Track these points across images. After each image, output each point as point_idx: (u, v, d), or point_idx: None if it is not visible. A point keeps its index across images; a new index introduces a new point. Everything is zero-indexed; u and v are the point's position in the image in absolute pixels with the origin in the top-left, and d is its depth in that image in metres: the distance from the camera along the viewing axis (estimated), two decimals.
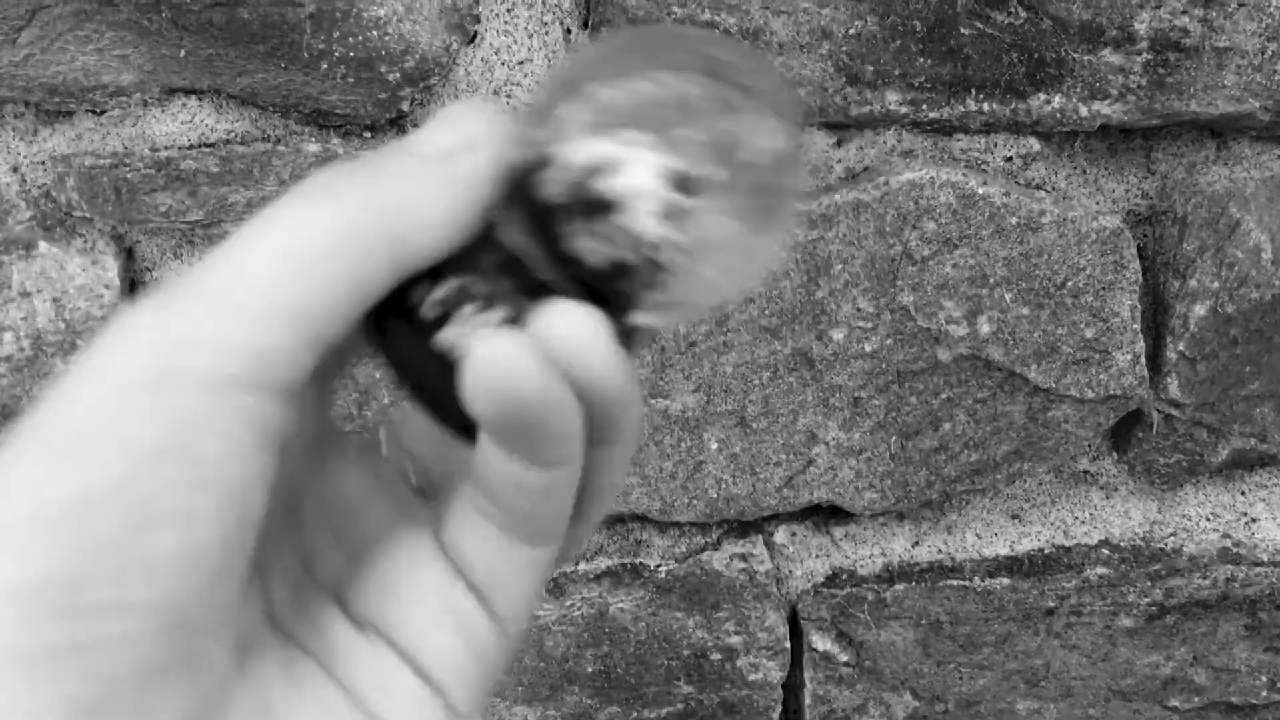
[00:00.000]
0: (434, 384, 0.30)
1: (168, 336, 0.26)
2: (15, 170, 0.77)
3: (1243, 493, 0.92)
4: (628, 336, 0.31)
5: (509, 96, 0.78)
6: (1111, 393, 0.84)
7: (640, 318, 0.31)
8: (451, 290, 0.29)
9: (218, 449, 0.26)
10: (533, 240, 0.30)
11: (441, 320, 0.29)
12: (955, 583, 0.88)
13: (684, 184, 0.29)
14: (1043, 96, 0.78)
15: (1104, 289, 0.81)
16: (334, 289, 0.27)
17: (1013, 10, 0.76)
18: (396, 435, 0.36)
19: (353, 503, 0.34)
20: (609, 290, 0.30)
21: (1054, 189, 0.83)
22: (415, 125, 0.78)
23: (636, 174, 0.29)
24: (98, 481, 0.24)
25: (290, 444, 0.29)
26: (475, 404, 0.28)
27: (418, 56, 0.75)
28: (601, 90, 0.29)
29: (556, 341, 0.27)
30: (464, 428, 0.30)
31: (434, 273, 0.29)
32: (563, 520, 0.31)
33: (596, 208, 0.29)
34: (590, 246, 0.29)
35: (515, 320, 0.29)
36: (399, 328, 0.30)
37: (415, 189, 0.28)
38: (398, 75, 0.75)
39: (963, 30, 0.77)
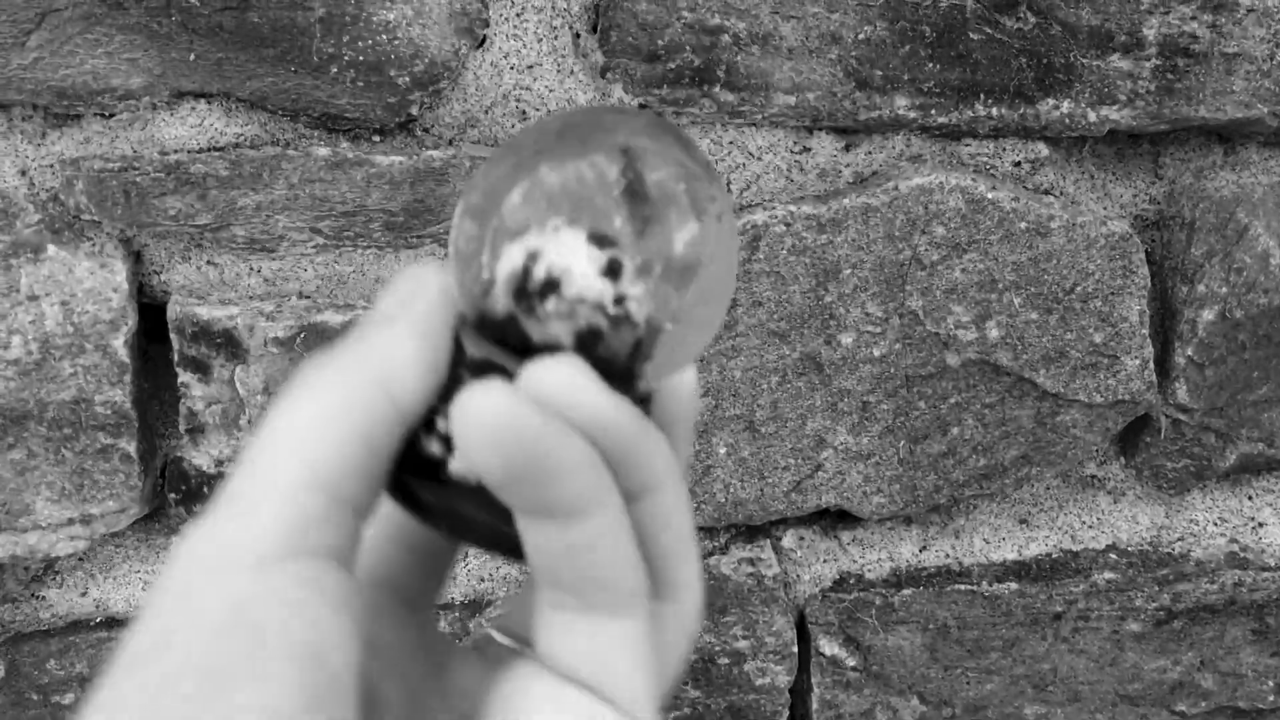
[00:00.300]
0: (465, 513, 0.31)
1: (212, 538, 0.28)
2: (24, 173, 0.77)
3: (1250, 497, 0.92)
4: (643, 403, 0.32)
5: (518, 101, 0.78)
6: (1120, 397, 0.84)
7: (642, 376, 0.31)
8: (445, 424, 0.31)
9: (277, 616, 0.27)
10: (503, 350, 0.31)
11: (448, 453, 0.31)
12: (963, 587, 0.88)
13: (609, 245, 0.30)
14: (1051, 102, 0.78)
15: (1113, 294, 0.81)
16: (345, 449, 0.29)
17: (1022, 16, 0.76)
18: (507, 628, 0.36)
19: (472, 689, 0.35)
20: (598, 363, 0.30)
21: (1062, 194, 0.83)
22: (425, 129, 0.78)
23: (565, 250, 0.30)
24: (177, 660, 0.26)
25: (395, 646, 0.32)
26: (473, 457, 0.28)
27: (427, 61, 0.75)
28: (523, 184, 0.31)
29: (539, 385, 0.28)
30: (511, 547, 0.31)
31: (429, 421, 0.31)
32: (626, 575, 0.30)
33: (543, 293, 0.30)
34: (553, 329, 0.30)
35: None
36: (417, 479, 0.31)
37: (387, 339, 0.31)
38: (407, 79, 0.75)
39: (972, 35, 0.77)
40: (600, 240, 0.30)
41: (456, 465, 0.31)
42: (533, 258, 0.30)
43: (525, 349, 0.31)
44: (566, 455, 0.28)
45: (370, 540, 0.35)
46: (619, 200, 0.30)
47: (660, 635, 0.33)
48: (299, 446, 0.29)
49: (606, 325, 0.30)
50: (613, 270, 0.30)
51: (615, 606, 0.30)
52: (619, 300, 0.30)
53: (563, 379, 0.29)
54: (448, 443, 0.31)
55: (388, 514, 0.35)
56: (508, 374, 0.30)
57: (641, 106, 0.78)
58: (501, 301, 0.30)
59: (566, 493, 0.28)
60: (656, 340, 0.31)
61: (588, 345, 0.30)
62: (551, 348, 0.30)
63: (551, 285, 0.30)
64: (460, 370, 0.31)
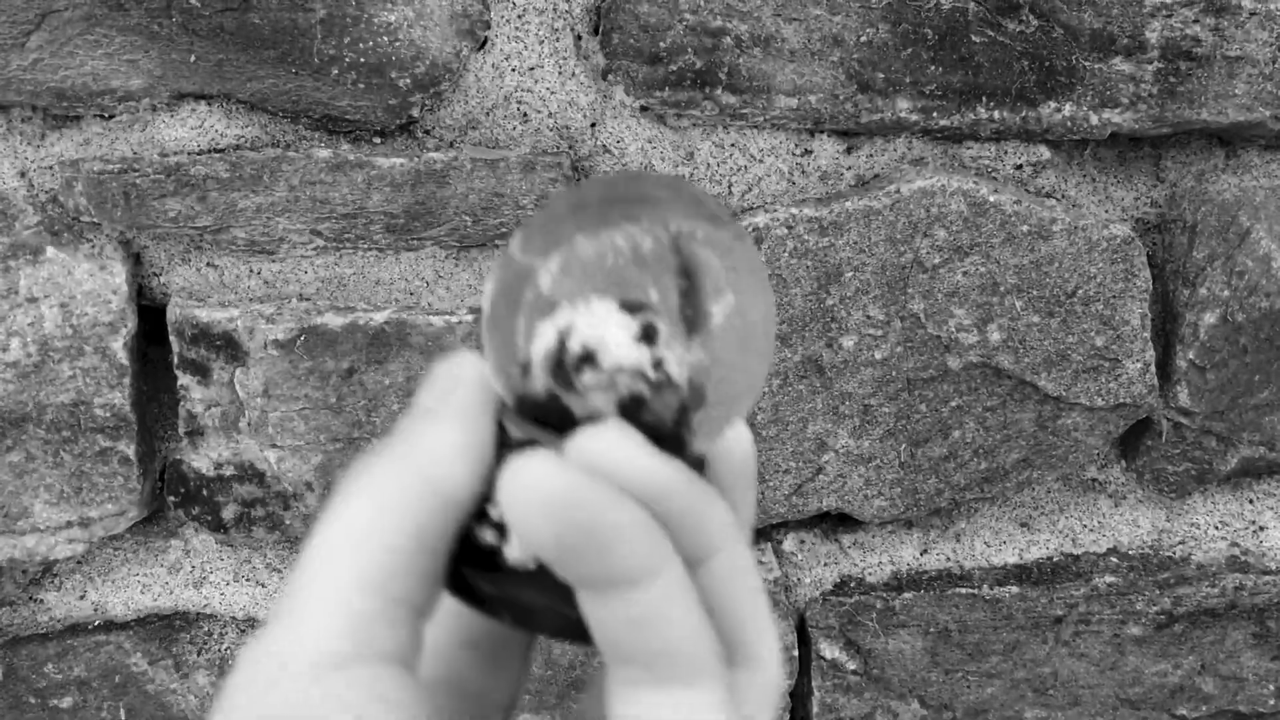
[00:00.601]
0: (526, 599, 0.31)
1: (269, 647, 0.28)
2: (23, 175, 0.77)
3: (1251, 501, 0.92)
4: (697, 466, 0.32)
5: (519, 103, 0.78)
6: (1121, 401, 0.84)
7: (692, 438, 0.31)
8: (498, 511, 0.30)
9: None
10: (547, 430, 0.31)
11: (502, 540, 0.30)
12: (964, 591, 0.88)
13: (641, 310, 0.30)
14: (1053, 104, 0.78)
15: (1114, 297, 0.81)
16: (396, 548, 0.29)
17: (1024, 18, 0.76)
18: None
19: None
20: (644, 429, 0.30)
21: (1064, 197, 0.83)
22: (426, 131, 0.78)
23: (597, 321, 0.30)
24: None
25: None
26: (525, 531, 0.27)
27: (428, 62, 0.75)
28: (553, 260, 0.31)
29: (586, 452, 0.28)
30: (577, 630, 0.30)
31: (481, 511, 0.31)
32: (695, 644, 0.29)
33: (580, 366, 0.30)
34: (594, 401, 0.30)
35: None
36: (474, 570, 0.31)
37: (430, 433, 0.30)
38: (408, 81, 0.75)
39: (974, 38, 0.76)
40: (632, 308, 0.30)
41: (513, 551, 0.30)
42: (566, 333, 0.30)
43: (569, 425, 0.30)
44: (620, 521, 0.27)
45: (434, 642, 0.34)
46: (648, 268, 0.30)
47: (741, 707, 0.31)
48: (351, 549, 0.29)
49: (648, 391, 0.30)
50: (648, 335, 0.30)
51: (688, 677, 0.29)
52: (658, 364, 0.30)
53: (610, 444, 0.28)
54: (501, 530, 0.30)
55: (451, 612, 0.34)
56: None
57: (643, 109, 0.78)
58: (540, 381, 0.30)
59: (624, 561, 0.27)
60: (701, 400, 0.30)
61: (632, 413, 0.30)
62: (595, 420, 0.30)
63: (588, 358, 0.30)
64: (506, 455, 0.31)
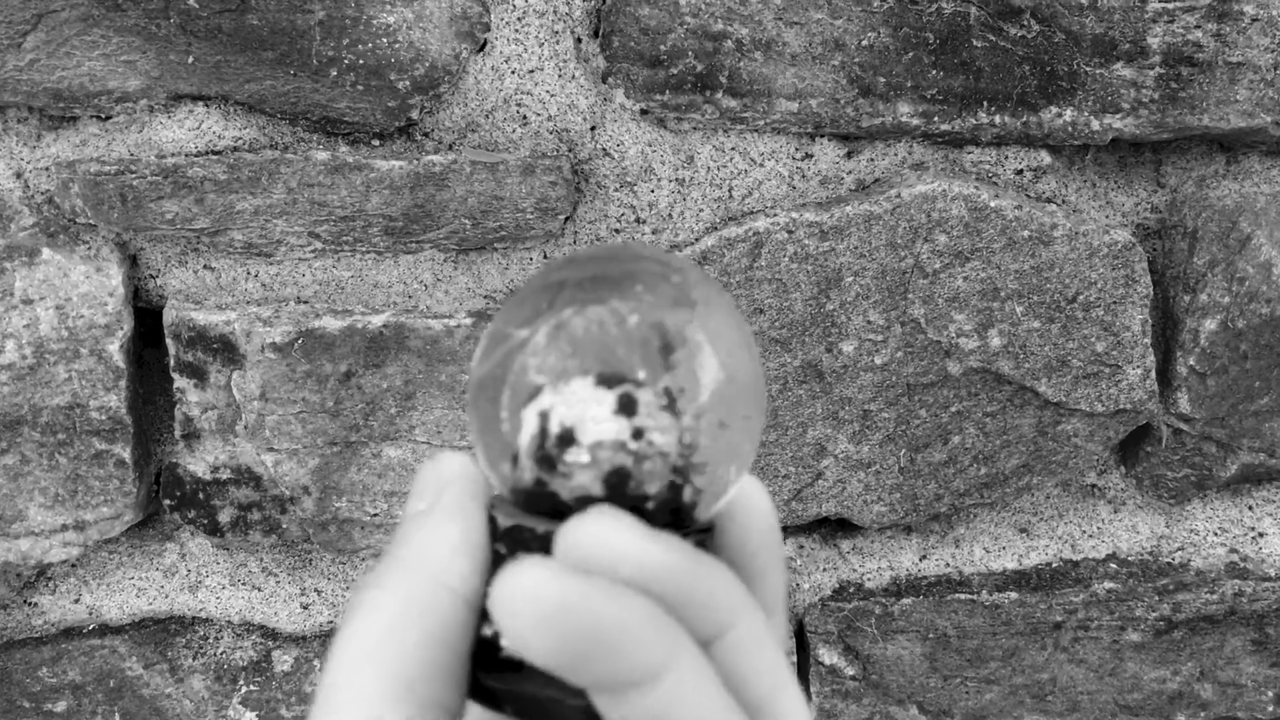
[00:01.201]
0: (536, 694, 0.30)
1: None
2: (19, 176, 0.77)
3: (1250, 507, 0.92)
4: (704, 533, 0.31)
5: (519, 105, 0.77)
6: (1122, 407, 0.84)
7: (692, 506, 0.30)
8: None
9: None
10: (538, 516, 0.30)
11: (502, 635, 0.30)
12: (963, 596, 0.88)
13: (619, 383, 0.30)
14: (1054, 109, 0.78)
15: (1115, 303, 0.81)
16: (420, 650, 0.28)
17: (1026, 23, 0.76)
18: None
19: None
20: (637, 504, 0.30)
21: (1064, 202, 0.83)
22: (425, 134, 0.78)
23: (575, 399, 0.30)
24: None
25: None
26: (525, 646, 0.26)
27: (428, 64, 0.75)
28: (531, 345, 0.31)
29: (575, 547, 0.27)
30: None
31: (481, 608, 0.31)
32: None
33: (561, 447, 0.30)
34: (579, 481, 0.30)
35: None
36: (482, 668, 0.30)
37: (428, 532, 0.30)
38: (407, 83, 0.75)
39: (975, 43, 0.76)
40: (609, 380, 0.29)
41: (510, 645, 0.29)
42: (545, 416, 0.30)
43: (559, 512, 0.30)
44: (623, 619, 0.26)
45: None
46: (629, 342, 0.30)
47: None
48: (373, 660, 0.28)
49: (631, 462, 0.29)
50: (626, 407, 0.29)
51: None
52: (638, 434, 0.29)
53: (599, 534, 0.27)
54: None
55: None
56: (540, 537, 0.30)
57: (643, 112, 0.77)
58: (528, 470, 0.30)
59: (635, 659, 0.26)
60: (691, 465, 0.30)
61: (618, 488, 0.29)
62: (584, 501, 0.30)
63: (567, 437, 0.29)
64: (497, 546, 0.31)
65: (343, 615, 0.30)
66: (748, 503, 0.33)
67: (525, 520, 0.30)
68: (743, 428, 0.31)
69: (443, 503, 0.31)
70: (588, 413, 0.29)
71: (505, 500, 0.31)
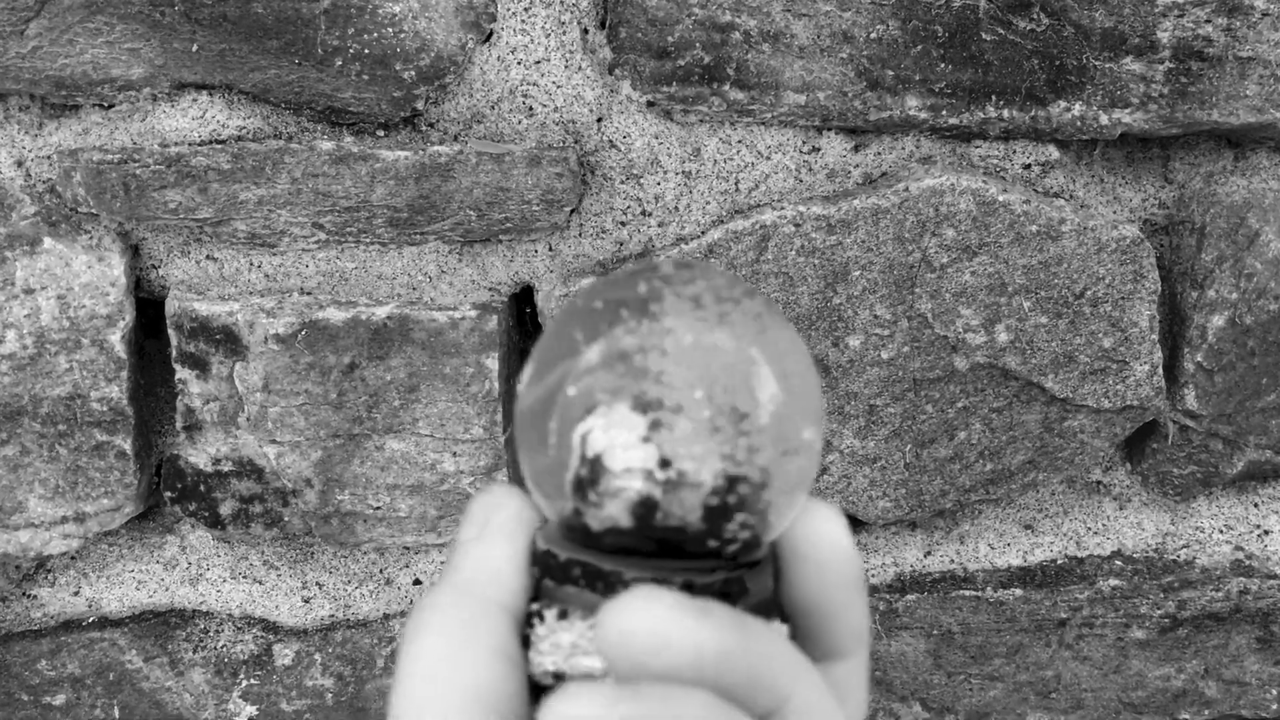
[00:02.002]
0: None
1: None
2: (20, 164, 0.76)
3: (1256, 505, 0.92)
4: (752, 567, 0.30)
5: (525, 96, 0.77)
6: (1128, 403, 0.83)
7: (734, 537, 0.29)
8: (543, 634, 0.30)
9: None
10: (575, 546, 0.30)
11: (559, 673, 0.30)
12: (967, 593, 0.88)
13: (655, 408, 0.29)
14: (1063, 104, 0.78)
15: (1123, 299, 0.81)
16: (492, 670, 0.29)
17: (1035, 17, 0.76)
18: None
19: None
20: (668, 535, 0.29)
21: (1072, 197, 0.82)
22: (430, 124, 0.77)
23: (609, 425, 0.29)
24: None
25: None
26: None
27: (433, 54, 0.74)
28: (574, 370, 0.30)
29: (617, 644, 0.26)
30: None
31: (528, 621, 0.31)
32: None
33: (594, 477, 0.29)
34: (609, 511, 0.29)
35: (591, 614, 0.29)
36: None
37: (480, 556, 0.31)
38: (413, 73, 0.74)
39: (984, 36, 0.76)
40: (644, 406, 0.28)
41: (541, 663, 0.29)
42: (584, 442, 0.29)
43: (591, 542, 0.30)
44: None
45: None
46: (668, 363, 0.29)
47: None
48: (445, 676, 0.28)
49: (659, 492, 0.28)
50: (655, 433, 0.28)
51: None
52: (665, 463, 0.28)
53: (641, 624, 0.26)
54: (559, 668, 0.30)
55: None
56: (562, 565, 0.29)
57: (650, 104, 0.77)
58: (570, 499, 0.30)
59: None
60: (732, 494, 0.29)
61: (646, 519, 0.29)
62: (612, 532, 0.29)
63: (598, 466, 0.29)
64: (534, 570, 0.31)
65: (401, 642, 0.31)
66: (822, 535, 0.31)
67: (556, 547, 0.30)
68: (800, 452, 0.30)
69: (490, 528, 0.31)
70: (617, 440, 0.29)
71: (551, 527, 0.31)
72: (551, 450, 0.30)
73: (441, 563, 0.88)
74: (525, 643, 0.30)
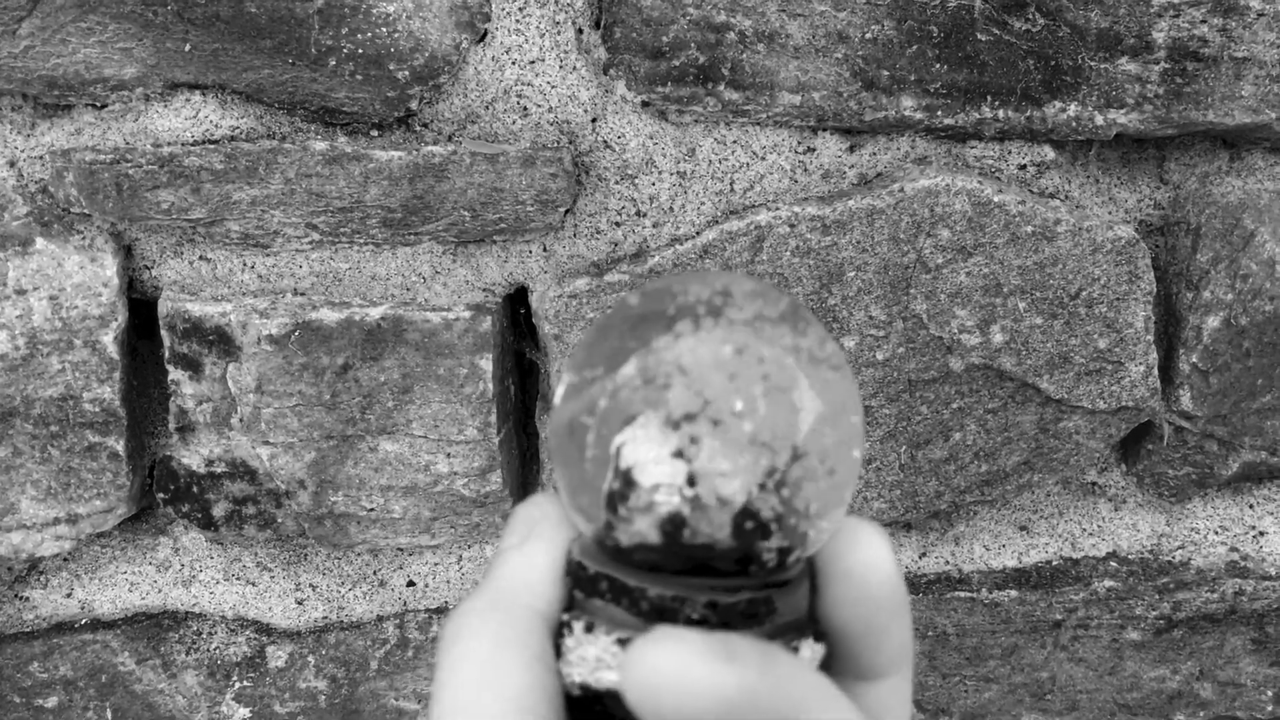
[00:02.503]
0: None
1: None
2: (12, 165, 0.76)
3: (1251, 506, 0.92)
4: (783, 586, 0.29)
5: (519, 96, 0.77)
6: (1124, 404, 0.83)
7: (768, 558, 0.29)
8: (571, 645, 0.30)
9: None
10: (615, 563, 0.30)
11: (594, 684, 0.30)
12: (962, 594, 0.87)
13: (687, 422, 0.28)
14: (1059, 104, 0.78)
15: (1118, 299, 0.81)
16: (533, 676, 0.29)
17: (1030, 17, 0.75)
18: None
19: None
20: (696, 554, 0.29)
21: (1067, 198, 0.82)
22: (424, 125, 0.77)
23: (641, 439, 0.29)
24: None
25: None
26: None
27: (427, 54, 0.74)
28: (609, 384, 0.30)
29: (643, 695, 0.26)
30: None
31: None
32: None
33: (624, 492, 0.29)
34: (637, 527, 0.29)
35: (624, 642, 0.29)
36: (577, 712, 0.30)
37: (520, 564, 0.31)
38: (407, 73, 0.74)
39: (980, 36, 0.76)
40: (676, 421, 0.28)
41: (571, 671, 0.29)
42: (617, 456, 0.29)
43: (622, 559, 0.30)
44: None
45: None
46: (704, 376, 0.28)
47: None
48: (486, 682, 0.28)
49: (688, 509, 0.28)
50: (686, 448, 0.28)
51: None
52: (692, 480, 0.28)
53: (663, 672, 0.25)
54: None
55: None
56: (591, 578, 0.30)
57: (645, 104, 0.77)
58: (603, 513, 0.30)
59: None
60: (763, 512, 0.28)
61: (673, 536, 0.28)
62: (640, 549, 0.29)
63: (629, 481, 0.29)
64: (567, 580, 0.31)
65: (439, 649, 0.31)
66: (862, 556, 0.31)
67: (587, 559, 0.30)
68: (837, 469, 0.30)
69: (531, 537, 0.32)
70: (648, 454, 0.28)
71: (587, 539, 0.31)
72: (586, 464, 0.30)
73: (435, 564, 0.87)
74: (558, 652, 0.30)
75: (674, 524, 0.28)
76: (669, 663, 0.25)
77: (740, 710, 0.25)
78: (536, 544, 0.31)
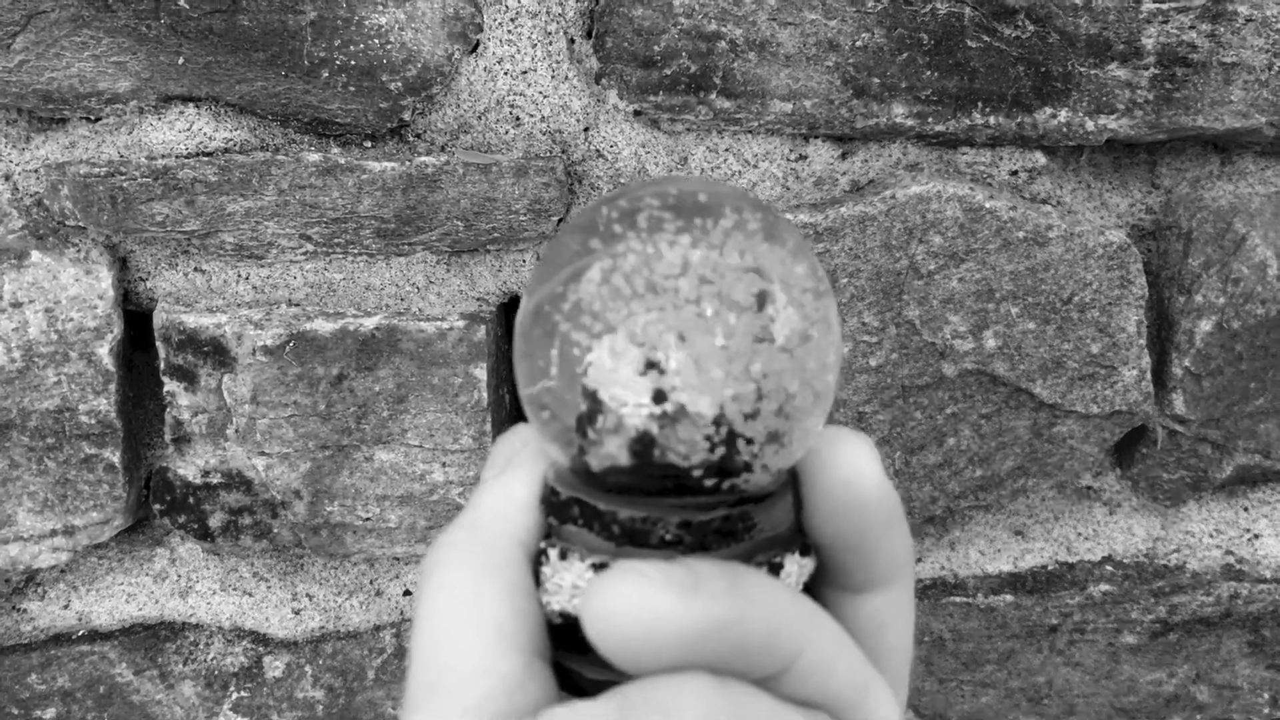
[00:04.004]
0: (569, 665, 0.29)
1: None
2: (7, 178, 0.76)
3: (1245, 509, 0.92)
4: (760, 501, 0.28)
5: (512, 106, 0.77)
6: (1117, 408, 0.83)
7: (744, 470, 0.28)
8: (549, 574, 0.29)
9: None
10: (588, 487, 0.29)
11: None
12: (958, 599, 0.88)
13: (646, 339, 0.27)
14: (1049, 110, 0.78)
15: (1110, 304, 0.81)
16: (514, 604, 0.28)
17: (1020, 24, 0.76)
18: None
19: None
20: (669, 472, 0.28)
21: (1059, 203, 0.82)
22: (417, 135, 0.77)
23: (606, 358, 0.27)
24: None
25: None
26: None
27: (420, 65, 0.74)
28: (559, 319, 0.28)
29: (604, 634, 0.25)
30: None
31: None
32: None
33: (592, 414, 0.28)
34: (608, 449, 0.28)
35: (601, 566, 0.28)
36: (563, 653, 0.29)
37: (492, 495, 0.30)
38: (399, 84, 0.74)
39: (970, 43, 0.76)
40: (643, 335, 0.27)
41: (552, 604, 0.29)
42: (583, 377, 0.28)
43: (594, 482, 0.29)
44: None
45: None
46: (675, 284, 0.27)
47: None
48: (468, 613, 0.28)
49: (657, 428, 0.27)
50: (653, 364, 0.27)
51: None
52: (660, 396, 0.27)
53: (624, 611, 0.24)
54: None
55: None
56: (563, 503, 0.29)
57: (637, 113, 0.77)
58: (574, 436, 0.28)
59: None
60: (735, 425, 0.27)
61: (643, 457, 0.27)
62: (612, 471, 0.28)
63: (596, 401, 0.27)
64: (542, 506, 0.30)
65: (421, 574, 0.30)
66: (844, 468, 0.29)
67: (560, 485, 0.29)
68: (812, 378, 0.28)
69: (511, 466, 0.31)
70: (615, 373, 0.27)
71: (561, 464, 0.30)
72: (552, 386, 0.28)
73: None
74: (537, 581, 0.29)
75: (643, 443, 0.27)
76: (628, 599, 0.24)
77: (709, 643, 0.24)
78: (515, 473, 0.31)
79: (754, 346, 0.27)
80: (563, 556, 0.29)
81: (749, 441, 0.27)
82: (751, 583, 0.25)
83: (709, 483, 0.28)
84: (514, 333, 0.31)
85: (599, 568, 0.28)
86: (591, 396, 0.27)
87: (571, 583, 0.29)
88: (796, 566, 0.29)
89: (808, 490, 0.30)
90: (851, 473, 0.29)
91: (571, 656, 0.29)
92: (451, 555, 0.29)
